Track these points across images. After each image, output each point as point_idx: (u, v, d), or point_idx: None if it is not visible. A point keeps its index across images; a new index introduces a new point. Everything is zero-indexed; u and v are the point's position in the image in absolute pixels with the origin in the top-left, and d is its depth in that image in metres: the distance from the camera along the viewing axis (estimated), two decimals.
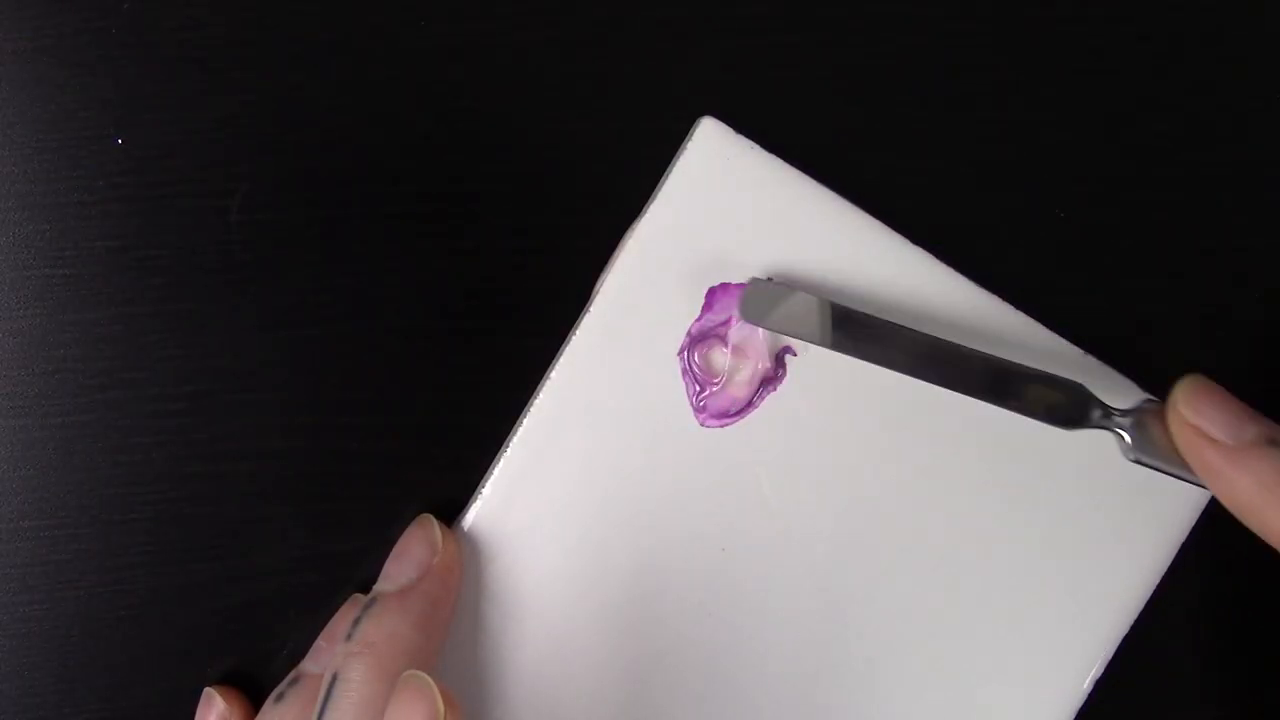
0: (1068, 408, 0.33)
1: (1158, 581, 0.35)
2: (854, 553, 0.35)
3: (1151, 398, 0.34)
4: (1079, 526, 0.35)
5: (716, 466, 0.35)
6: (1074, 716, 0.35)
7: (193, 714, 0.35)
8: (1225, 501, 0.30)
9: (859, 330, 0.33)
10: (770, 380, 0.34)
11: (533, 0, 0.35)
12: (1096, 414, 0.33)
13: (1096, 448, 0.34)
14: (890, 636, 0.35)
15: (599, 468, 0.35)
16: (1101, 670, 0.35)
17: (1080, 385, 0.33)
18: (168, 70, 0.35)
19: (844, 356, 0.34)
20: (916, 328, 0.34)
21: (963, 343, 0.34)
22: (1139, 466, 0.32)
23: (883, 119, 0.36)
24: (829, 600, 0.35)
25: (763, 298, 0.33)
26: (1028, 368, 0.33)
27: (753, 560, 0.35)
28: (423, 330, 0.36)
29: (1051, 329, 0.35)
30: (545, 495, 0.35)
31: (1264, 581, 0.37)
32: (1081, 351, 0.35)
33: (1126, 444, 0.33)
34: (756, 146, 0.34)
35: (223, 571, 0.35)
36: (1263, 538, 0.30)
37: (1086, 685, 0.35)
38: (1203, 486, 0.31)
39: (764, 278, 0.34)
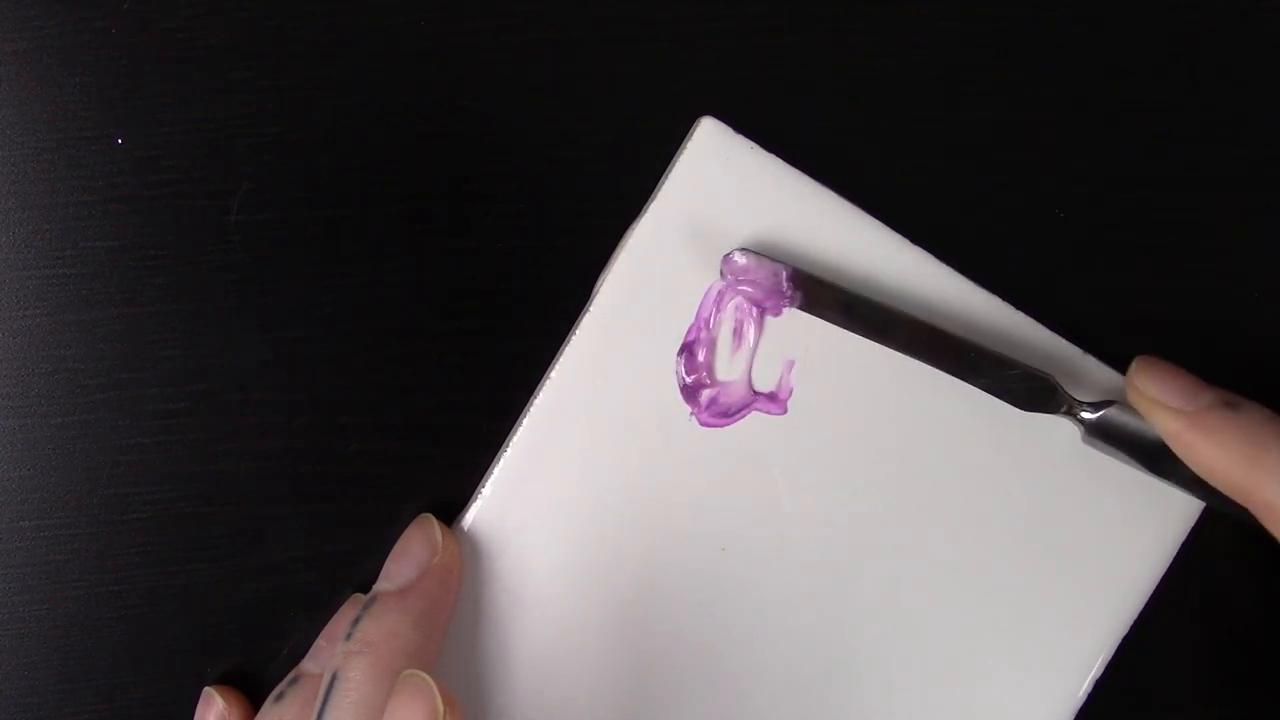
0: (1030, 390, 0.34)
1: (1157, 582, 0.35)
2: (853, 553, 0.35)
3: (1111, 396, 0.34)
4: (1080, 528, 0.35)
5: (716, 466, 0.35)
6: (1074, 717, 0.35)
7: (193, 714, 0.35)
8: (1191, 464, 0.32)
9: (826, 296, 0.34)
10: (769, 309, 0.34)
11: (533, 0, 0.35)
12: (1057, 400, 0.34)
13: (1096, 453, 0.34)
14: (890, 635, 0.35)
15: (599, 467, 0.35)
16: (1101, 670, 0.35)
17: (1048, 375, 0.34)
18: (168, 70, 0.35)
19: (845, 359, 0.34)
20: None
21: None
22: (1157, 479, 0.33)
23: (883, 119, 0.36)
24: (828, 600, 0.35)
25: (741, 264, 0.34)
26: (995, 350, 0.34)
27: (752, 560, 0.35)
28: (423, 330, 0.36)
29: (1051, 329, 0.35)
30: (545, 495, 0.35)
31: (1264, 582, 0.37)
32: (1081, 351, 0.35)
33: (1085, 428, 0.34)
34: (756, 146, 0.34)
35: (222, 571, 0.35)
36: (1230, 496, 0.31)
37: (1086, 685, 0.35)
38: (1151, 474, 0.33)
39: (745, 249, 0.34)
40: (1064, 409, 0.34)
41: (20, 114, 0.35)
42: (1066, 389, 0.34)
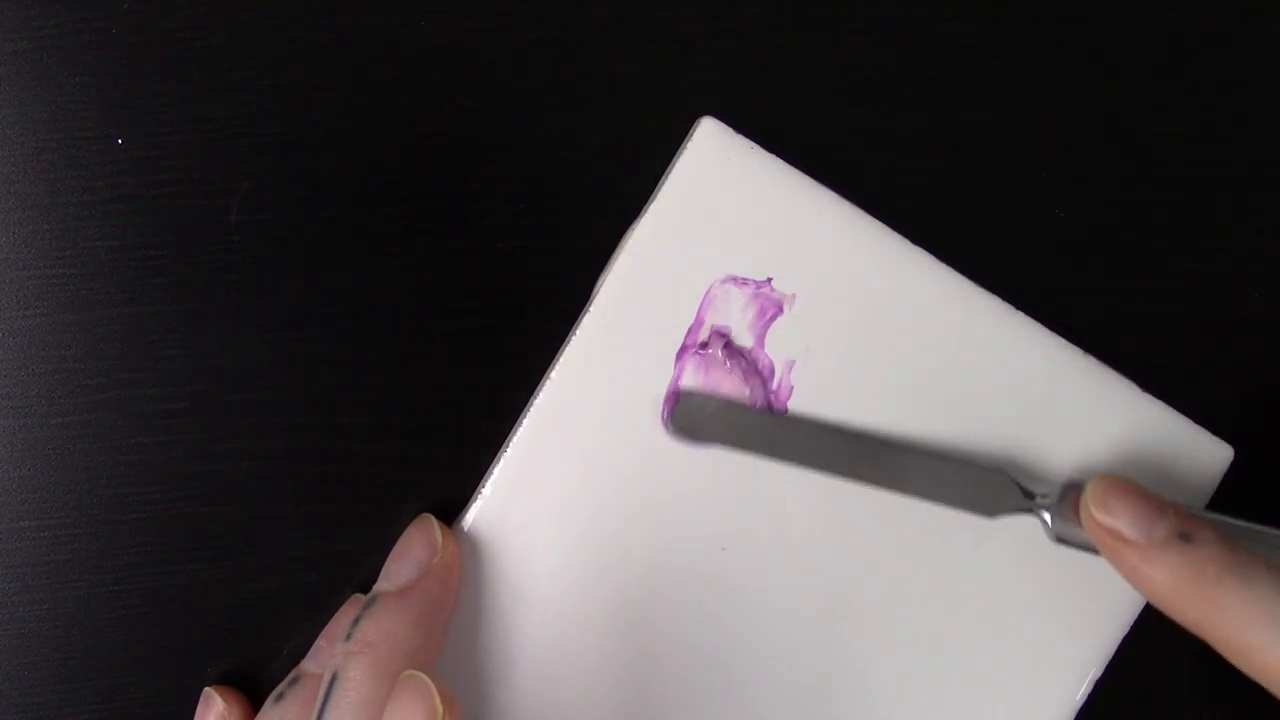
0: (989, 496, 0.34)
1: None
2: (854, 554, 0.35)
3: (1075, 480, 0.34)
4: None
5: (716, 466, 0.35)
6: (1074, 717, 0.35)
7: (193, 714, 0.35)
8: (1146, 596, 0.31)
9: (786, 435, 0.34)
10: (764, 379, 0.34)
11: (532, 0, 0.35)
12: (1018, 500, 0.34)
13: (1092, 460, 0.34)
14: (890, 637, 0.35)
15: (599, 467, 0.35)
16: (1101, 670, 0.35)
17: (1001, 472, 0.34)
18: (168, 70, 0.35)
19: (845, 360, 0.34)
20: (917, 327, 0.34)
21: (959, 349, 0.34)
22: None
23: (883, 119, 0.36)
24: (829, 600, 0.35)
25: (691, 411, 0.34)
26: (951, 457, 0.34)
27: (753, 560, 0.35)
28: (423, 330, 0.36)
29: (1052, 329, 0.35)
30: (545, 495, 0.35)
31: None
32: (1082, 352, 0.35)
33: (1049, 528, 0.33)
34: (756, 146, 0.34)
35: (222, 571, 0.35)
36: (1186, 628, 0.31)
37: (1086, 686, 0.35)
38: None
39: (692, 392, 0.34)
40: (1021, 506, 0.34)
41: (20, 114, 0.35)
42: (1019, 478, 0.34)
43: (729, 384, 0.35)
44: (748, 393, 0.35)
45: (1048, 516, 0.33)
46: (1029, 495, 0.34)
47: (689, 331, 0.34)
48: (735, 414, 0.34)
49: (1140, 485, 0.32)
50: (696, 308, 0.34)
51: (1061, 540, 0.33)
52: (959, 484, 0.34)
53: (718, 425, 0.34)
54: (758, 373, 0.35)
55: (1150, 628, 0.35)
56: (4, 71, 0.35)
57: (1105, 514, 0.31)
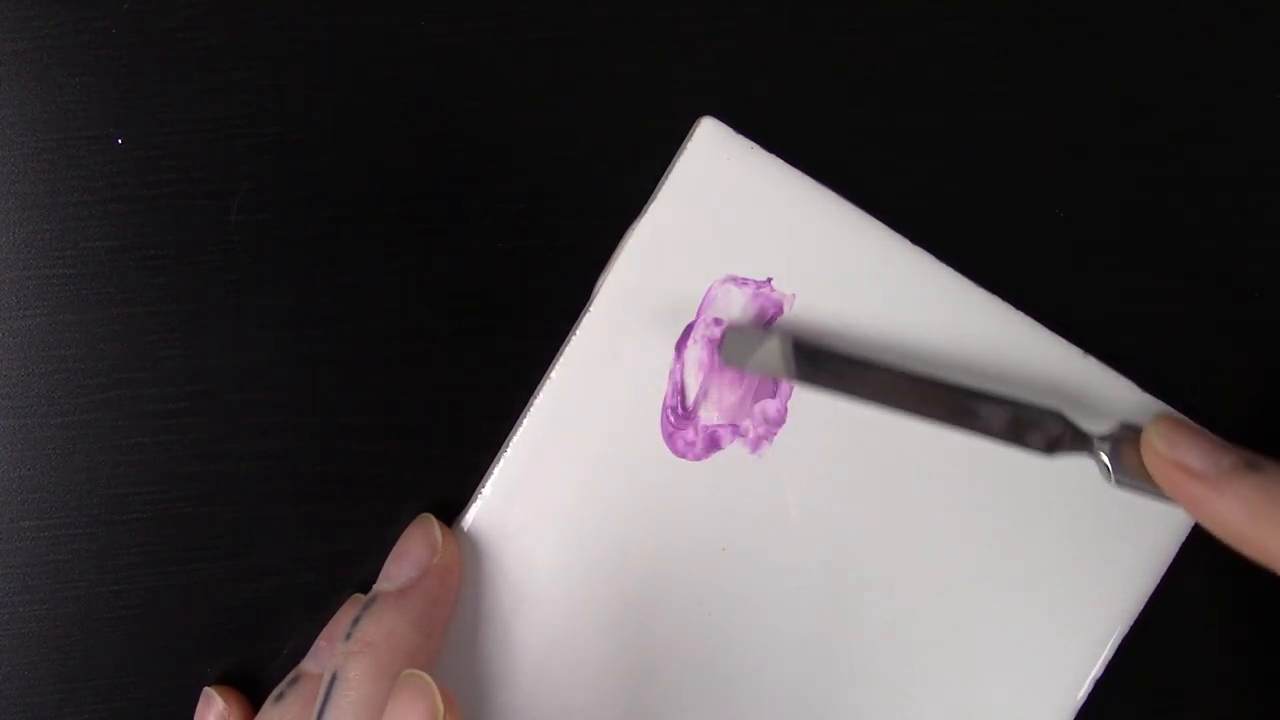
0: (1046, 434, 0.33)
1: (1157, 582, 0.35)
2: (854, 554, 0.35)
3: (1129, 422, 0.34)
4: (1080, 530, 0.35)
5: (717, 466, 0.35)
6: (1074, 718, 0.35)
7: (193, 714, 0.35)
8: (1215, 530, 0.31)
9: (831, 365, 0.33)
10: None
11: (533, 0, 0.35)
12: (1075, 440, 0.33)
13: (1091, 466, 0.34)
14: (890, 636, 0.35)
15: (599, 467, 0.35)
16: (1101, 671, 0.35)
17: (1058, 411, 0.34)
18: (168, 70, 0.35)
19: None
20: (917, 327, 0.34)
21: (959, 349, 0.34)
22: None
23: (883, 119, 0.36)
24: (829, 600, 0.35)
25: (739, 342, 0.34)
26: (1003, 395, 0.34)
27: (754, 560, 0.35)
28: (423, 330, 0.36)
29: (1051, 329, 0.35)
30: (545, 495, 0.34)
31: (1264, 581, 0.37)
32: (1082, 352, 0.35)
33: (1107, 470, 0.33)
34: (756, 146, 0.34)
35: (222, 571, 0.35)
36: (1258, 561, 0.30)
37: (1086, 686, 0.35)
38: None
39: (741, 324, 0.34)
40: (1078, 446, 0.33)
41: (20, 114, 0.35)
42: (1075, 419, 0.33)
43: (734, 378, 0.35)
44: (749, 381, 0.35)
45: (1105, 458, 0.33)
46: (1085, 437, 0.33)
47: (679, 342, 0.35)
48: (781, 346, 0.33)
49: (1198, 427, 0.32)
50: (696, 308, 0.34)
51: (1120, 482, 0.33)
52: (1015, 422, 0.33)
53: (763, 357, 0.33)
54: None
55: (1151, 628, 0.35)
56: (4, 71, 0.35)
57: (1170, 448, 0.31)
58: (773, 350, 0.33)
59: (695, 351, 0.34)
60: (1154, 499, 0.33)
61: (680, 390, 0.34)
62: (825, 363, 0.33)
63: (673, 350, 0.34)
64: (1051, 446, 0.33)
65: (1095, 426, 0.34)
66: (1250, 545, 0.30)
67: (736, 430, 0.35)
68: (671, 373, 0.34)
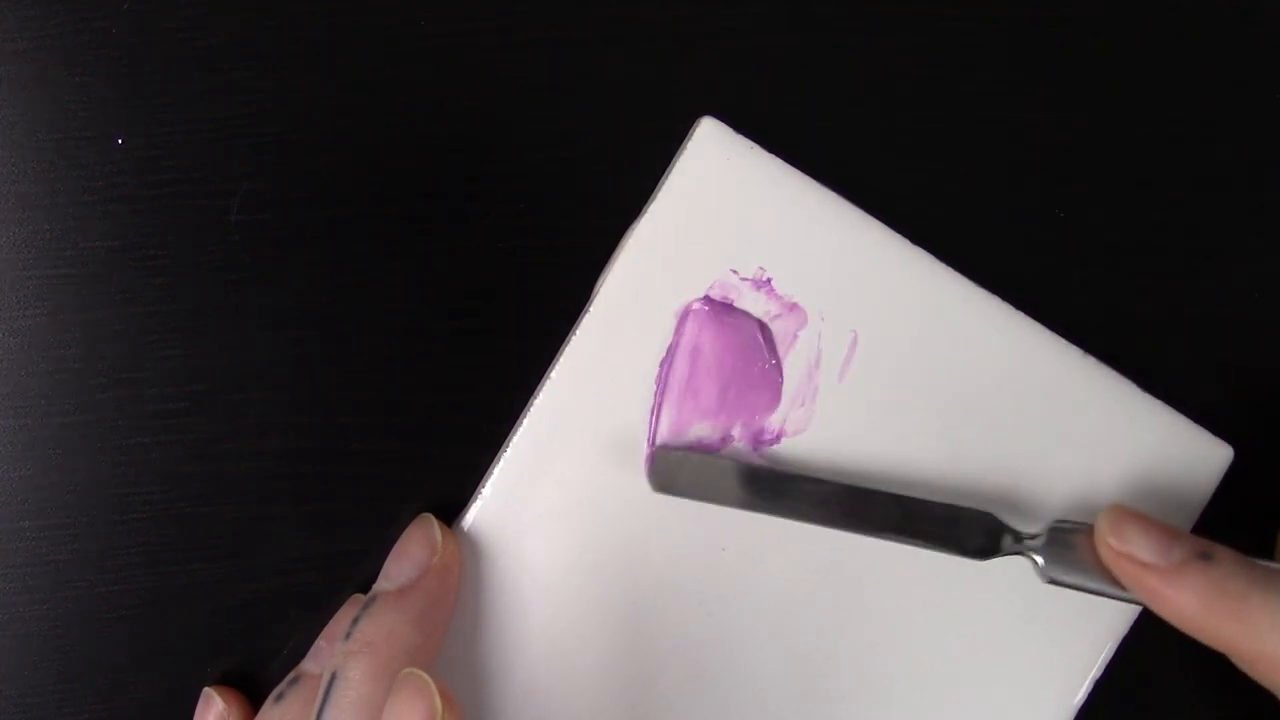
0: (978, 541, 0.33)
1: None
2: (854, 555, 0.35)
3: (1062, 520, 0.33)
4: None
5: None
6: (1074, 718, 0.35)
7: (193, 714, 0.35)
8: (1170, 619, 0.31)
9: (766, 488, 0.34)
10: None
11: (533, 0, 0.35)
12: (1008, 542, 0.33)
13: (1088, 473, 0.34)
14: (890, 638, 0.35)
15: (599, 467, 0.34)
16: (1101, 671, 0.35)
17: (989, 515, 0.34)
18: (168, 70, 0.35)
19: (845, 365, 0.34)
20: (917, 327, 0.34)
21: (958, 350, 0.34)
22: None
23: (883, 119, 0.36)
24: (829, 600, 0.35)
25: (669, 466, 0.34)
26: (935, 505, 0.34)
27: (754, 560, 0.35)
28: (423, 330, 0.36)
29: (1052, 330, 0.35)
30: (545, 495, 0.34)
31: None
32: (1082, 352, 0.35)
33: (1040, 567, 0.33)
34: (756, 146, 0.34)
35: (222, 571, 0.35)
36: (1213, 647, 0.30)
37: (1086, 687, 0.35)
38: (1123, 600, 0.32)
39: (669, 446, 0.34)
40: (1011, 548, 0.33)
41: (20, 114, 0.35)
42: (1008, 520, 0.34)
43: (732, 339, 0.34)
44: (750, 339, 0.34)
45: (1038, 559, 0.33)
46: (1018, 538, 0.33)
47: (672, 347, 0.35)
48: (713, 467, 0.34)
49: (1150, 515, 0.32)
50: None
51: (1053, 581, 0.33)
52: (948, 531, 0.33)
53: (695, 481, 0.34)
54: (760, 327, 0.34)
55: (1150, 628, 0.35)
56: (4, 71, 0.35)
57: (1120, 541, 0.31)
58: (711, 473, 0.33)
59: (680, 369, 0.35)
60: (1087, 593, 0.33)
61: (655, 426, 0.34)
62: (760, 483, 0.34)
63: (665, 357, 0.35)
64: (984, 551, 0.33)
65: (1027, 527, 0.34)
66: (1205, 635, 0.30)
67: (727, 440, 0.35)
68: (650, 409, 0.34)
